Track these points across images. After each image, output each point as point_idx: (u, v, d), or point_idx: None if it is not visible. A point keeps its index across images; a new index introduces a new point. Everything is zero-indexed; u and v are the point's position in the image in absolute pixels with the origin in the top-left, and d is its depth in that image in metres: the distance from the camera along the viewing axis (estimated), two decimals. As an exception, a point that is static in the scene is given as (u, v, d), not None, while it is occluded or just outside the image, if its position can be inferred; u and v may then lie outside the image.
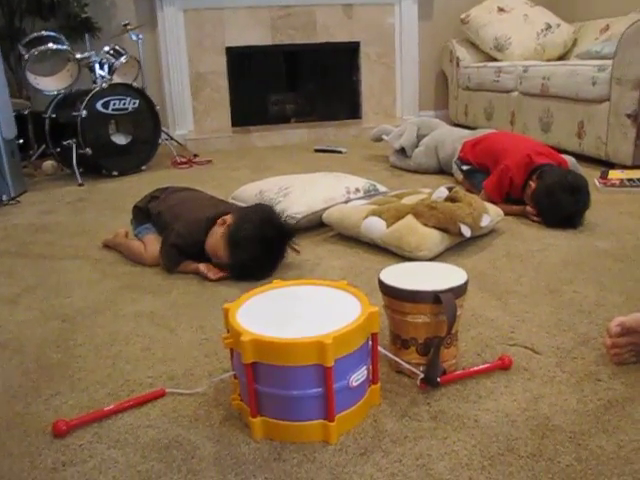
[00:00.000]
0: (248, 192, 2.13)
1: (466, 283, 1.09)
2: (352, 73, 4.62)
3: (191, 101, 4.25)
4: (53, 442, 0.98)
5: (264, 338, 0.90)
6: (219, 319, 1.37)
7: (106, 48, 3.44)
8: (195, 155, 3.70)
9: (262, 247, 1.56)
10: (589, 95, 3.00)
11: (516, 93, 3.70)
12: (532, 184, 2.07)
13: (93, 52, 3.34)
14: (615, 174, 2.65)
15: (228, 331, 0.99)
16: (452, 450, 0.92)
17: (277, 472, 0.89)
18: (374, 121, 4.43)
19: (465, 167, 2.46)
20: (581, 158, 3.11)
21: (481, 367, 1.12)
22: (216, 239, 1.61)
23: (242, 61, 4.33)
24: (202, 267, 1.65)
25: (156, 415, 1.05)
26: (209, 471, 0.90)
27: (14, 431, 1.02)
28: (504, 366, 1.13)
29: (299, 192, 2.01)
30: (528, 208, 2.08)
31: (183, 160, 3.52)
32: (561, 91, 3.21)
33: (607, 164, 2.90)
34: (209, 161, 3.54)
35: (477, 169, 2.40)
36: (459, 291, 1.06)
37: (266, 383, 0.93)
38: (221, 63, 4.23)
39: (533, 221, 2.07)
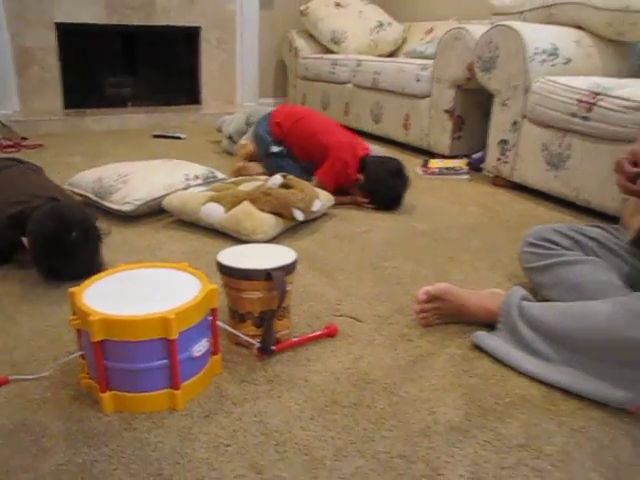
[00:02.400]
0: (86, 179, 2.10)
1: (295, 262, 1.22)
2: (192, 58, 4.61)
3: (16, 79, 3.98)
4: None
5: (111, 316, 0.97)
6: (61, 306, 1.40)
7: None
8: (23, 138, 3.50)
9: (59, 260, 1.50)
10: (413, 91, 3.30)
11: (350, 85, 3.94)
12: (359, 175, 2.26)
13: None
14: (435, 163, 2.95)
15: (74, 313, 1.03)
16: (285, 406, 1.05)
17: (128, 439, 0.96)
18: (214, 107, 4.48)
19: (276, 149, 2.44)
20: (407, 148, 3.44)
21: (310, 335, 1.27)
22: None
23: (75, 39, 4.13)
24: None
25: None
26: (60, 447, 0.95)
27: None
28: (330, 333, 1.29)
29: (139, 179, 2.04)
30: (359, 197, 2.28)
31: (9, 143, 3.31)
32: (390, 86, 3.49)
33: (429, 154, 3.23)
34: (40, 145, 3.37)
35: (286, 155, 2.43)
36: (289, 269, 1.20)
37: (115, 359, 1.00)
38: (50, 39, 4.00)
39: (365, 207, 2.27)
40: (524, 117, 2.50)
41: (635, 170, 1.28)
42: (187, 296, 1.04)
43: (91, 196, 2.06)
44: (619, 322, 1.10)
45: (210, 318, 1.10)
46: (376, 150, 2.66)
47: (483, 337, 1.27)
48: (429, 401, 1.08)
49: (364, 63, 3.77)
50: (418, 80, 3.25)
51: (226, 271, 1.19)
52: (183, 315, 0.99)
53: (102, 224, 1.64)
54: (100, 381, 1.01)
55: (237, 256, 1.22)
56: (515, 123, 2.56)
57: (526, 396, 1.11)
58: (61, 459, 0.92)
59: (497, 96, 2.65)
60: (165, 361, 1.00)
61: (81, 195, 2.09)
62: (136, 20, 4.22)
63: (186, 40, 4.56)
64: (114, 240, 1.79)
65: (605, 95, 2.11)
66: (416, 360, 1.22)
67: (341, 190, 2.28)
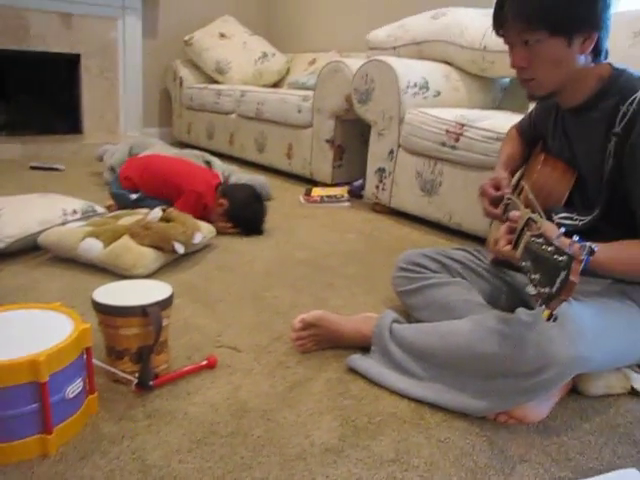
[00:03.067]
0: (-47, 216, 2.00)
1: (171, 296, 1.24)
2: (72, 86, 4.48)
3: None
4: None
5: (-26, 364, 0.94)
6: None
7: None
8: None
9: None
10: (296, 121, 3.41)
11: (234, 115, 4.00)
12: (223, 202, 2.34)
13: None
14: (317, 191, 3.06)
15: None
16: (164, 441, 1.06)
17: (-5, 491, 0.94)
18: (96, 137, 4.36)
19: (134, 196, 2.45)
20: (291, 176, 3.53)
21: (188, 368, 1.28)
22: None
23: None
24: None
25: None
26: None
27: None
28: (210, 365, 1.31)
29: (12, 214, 1.96)
30: (220, 224, 2.32)
31: None
32: (273, 116, 3.58)
33: (312, 182, 3.33)
34: None
35: (146, 196, 2.44)
36: (165, 303, 1.21)
37: (-21, 407, 0.97)
38: None
39: (229, 234, 2.33)
40: (399, 146, 2.67)
41: (496, 194, 1.42)
42: (59, 336, 1.03)
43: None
44: (476, 339, 1.20)
45: (85, 357, 1.09)
46: (240, 176, 2.83)
47: (357, 360, 1.35)
48: (305, 425, 1.13)
49: (248, 94, 3.85)
50: (300, 111, 3.36)
51: (101, 309, 1.19)
52: (54, 356, 0.98)
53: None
54: (-35, 431, 0.98)
55: (113, 293, 1.22)
56: (391, 152, 2.71)
57: (397, 413, 1.19)
58: None
59: (374, 126, 2.80)
60: (35, 405, 0.99)
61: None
62: (8, 44, 4.05)
63: (65, 67, 4.42)
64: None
65: (470, 126, 2.30)
66: (293, 386, 1.27)
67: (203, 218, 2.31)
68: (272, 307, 1.67)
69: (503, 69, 2.64)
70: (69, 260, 1.91)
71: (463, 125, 2.33)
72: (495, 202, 1.42)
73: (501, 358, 1.15)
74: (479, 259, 1.56)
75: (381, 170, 2.79)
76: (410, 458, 1.06)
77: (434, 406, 1.22)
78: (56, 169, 3.55)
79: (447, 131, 2.39)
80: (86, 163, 3.70)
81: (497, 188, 1.44)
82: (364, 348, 1.39)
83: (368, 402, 1.22)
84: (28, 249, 1.98)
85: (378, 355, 1.35)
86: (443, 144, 2.40)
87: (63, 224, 2.02)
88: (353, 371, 1.33)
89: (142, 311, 1.16)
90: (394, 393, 1.26)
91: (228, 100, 4.04)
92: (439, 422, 1.17)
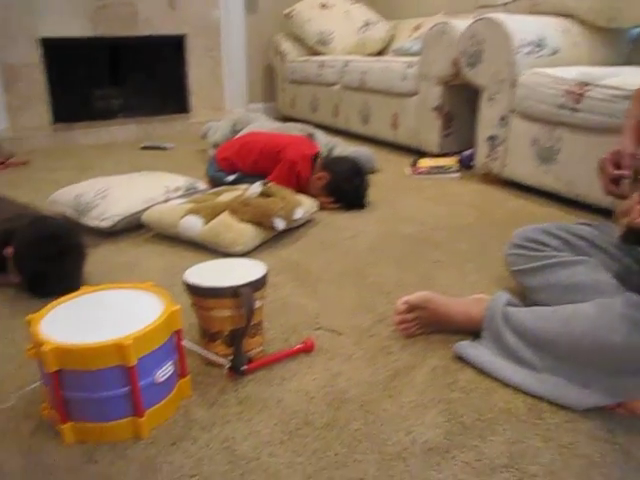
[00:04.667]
0: (65, 196, 2.06)
1: (265, 276, 1.17)
2: (179, 66, 4.58)
3: (3, 96, 3.96)
4: None
5: (64, 346, 0.92)
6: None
7: None
8: (11, 155, 3.47)
9: (44, 265, 1.50)
10: (401, 89, 3.25)
11: (338, 86, 3.90)
12: (324, 175, 2.25)
13: None
14: (424, 162, 2.90)
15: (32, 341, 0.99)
16: (255, 430, 1.00)
17: (88, 474, 0.92)
18: (203, 115, 4.43)
19: (231, 177, 2.41)
20: (396, 147, 3.39)
21: (283, 352, 1.22)
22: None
23: (61, 53, 4.11)
24: (9, 278, 1.59)
25: (-41, 435, 1.02)
26: (16, 484, 0.90)
27: None
28: (307, 349, 1.24)
29: (117, 194, 1.99)
30: (321, 198, 2.24)
31: (-4, 162, 3.28)
32: (377, 85, 3.44)
33: (419, 152, 3.17)
34: (25, 162, 3.34)
35: (245, 174, 2.40)
36: (257, 284, 1.14)
37: (72, 388, 0.95)
38: (35, 55, 3.97)
39: (331, 208, 2.25)
40: (512, 111, 2.45)
41: (617, 173, 1.23)
42: (148, 319, 0.99)
43: (71, 213, 2.01)
44: (603, 325, 1.05)
45: (175, 340, 1.05)
46: (344, 148, 2.71)
47: (466, 347, 1.22)
48: (407, 419, 1.03)
49: (351, 64, 3.73)
50: (404, 78, 3.20)
51: (193, 290, 1.14)
52: (142, 340, 0.95)
53: (88, 239, 1.64)
54: (60, 412, 0.97)
55: (205, 273, 1.18)
56: (503, 118, 2.50)
57: (511, 409, 1.06)
58: (20, 497, 0.88)
59: (484, 91, 2.60)
60: (126, 388, 0.96)
61: (62, 212, 2.05)
62: (120, 31, 4.19)
63: (172, 49, 4.52)
64: (93, 257, 1.74)
65: (593, 85, 2.06)
66: (396, 374, 1.17)
67: (305, 192, 2.24)
68: (375, 286, 1.57)
69: (635, 16, 2.34)
70: (171, 237, 1.92)
71: (586, 84, 2.09)
72: (615, 180, 1.23)
73: (633, 349, 0.99)
74: (607, 235, 1.37)
75: (492, 138, 2.58)
76: (526, 465, 0.93)
77: (554, 403, 1.07)
78: (164, 148, 3.63)
79: (567, 92, 2.15)
80: (192, 141, 3.76)
81: (618, 165, 1.24)
82: (473, 333, 1.26)
83: (478, 395, 1.10)
84: (132, 227, 2.01)
85: (489, 341, 1.22)
86: (562, 107, 2.17)
87: (166, 201, 2.03)
88: (461, 359, 1.21)
89: (233, 292, 1.10)
90: (507, 386, 1.12)
91: (331, 71, 3.94)
92: (560, 423, 1.03)
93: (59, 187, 2.23)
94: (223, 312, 1.12)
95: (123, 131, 4.11)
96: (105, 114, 4.41)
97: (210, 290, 1.11)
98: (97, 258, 1.78)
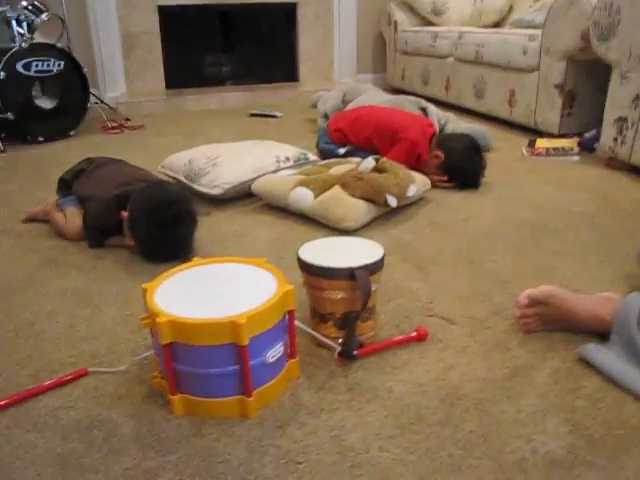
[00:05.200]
0: (177, 162, 2.09)
1: (382, 259, 1.12)
2: (289, 34, 4.56)
3: (122, 62, 4.10)
4: (-32, 426, 0.97)
5: (179, 319, 0.91)
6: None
7: (24, 3, 3.17)
8: (127, 119, 3.60)
9: (157, 231, 1.52)
10: (520, 64, 3.06)
11: (451, 59, 3.73)
12: (439, 153, 2.16)
13: (8, 7, 3.11)
14: (542, 143, 2.72)
15: (147, 310, 0.99)
16: (365, 421, 0.96)
17: (196, 447, 0.91)
18: (311, 84, 4.40)
19: (343, 150, 2.36)
20: (511, 125, 3.21)
21: (396, 339, 1.16)
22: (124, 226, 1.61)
23: (175, 21, 4.20)
24: (124, 240, 1.63)
25: (77, 395, 1.05)
26: (129, 449, 0.91)
27: None
28: (419, 338, 1.18)
29: (228, 162, 2.00)
30: (435, 177, 2.14)
31: (114, 125, 3.41)
32: (494, 58, 3.26)
33: (536, 132, 2.98)
34: (141, 126, 3.45)
35: (357, 148, 2.33)
36: (374, 267, 1.09)
37: (184, 362, 0.95)
38: (153, 22, 4.09)
39: (444, 187, 2.15)
40: (647, 92, 2.23)
41: None
42: (261, 297, 0.96)
43: (182, 179, 2.05)
44: None
45: (287, 320, 1.02)
46: (457, 125, 2.62)
47: (593, 350, 1.12)
48: (527, 425, 0.95)
49: (466, 35, 3.55)
50: (525, 52, 3.00)
51: (307, 268, 1.11)
52: (255, 319, 0.92)
53: (199, 206, 1.66)
54: (170, 383, 0.97)
55: (320, 251, 1.14)
56: (636, 98, 2.29)
57: (644, 426, 0.96)
58: (129, 462, 0.89)
59: (616, 68, 2.38)
60: (236, 367, 0.94)
61: (173, 177, 2.09)
62: (231, -1, 4.21)
63: (283, 17, 4.50)
64: (202, 224, 1.74)
65: None
66: (514, 373, 1.09)
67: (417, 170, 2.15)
68: (491, 274, 1.48)
69: None
70: (280, 208, 1.90)
71: None
72: None
73: None
74: None
75: (622, 120, 2.37)
76: (663, 490, 0.84)
77: (695, 421, 0.96)
78: (273, 116, 3.63)
79: None
80: (301, 110, 3.73)
81: None
82: (600, 335, 1.15)
83: (606, 407, 1.00)
84: (242, 196, 2.01)
85: (620, 347, 1.11)
86: None
87: (276, 171, 2.01)
88: (586, 363, 1.11)
89: (350, 274, 1.06)
90: (640, 399, 1.02)
91: (445, 43, 3.78)
92: None
93: (171, 152, 2.28)
94: (337, 294, 1.08)
95: (232, 98, 4.15)
96: (215, 81, 4.48)
97: (325, 270, 1.07)
98: (206, 226, 1.79)
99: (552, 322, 1.21)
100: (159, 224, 1.52)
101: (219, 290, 1.02)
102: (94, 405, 1.02)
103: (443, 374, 1.08)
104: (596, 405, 1.00)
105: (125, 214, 1.58)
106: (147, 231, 1.53)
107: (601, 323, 1.16)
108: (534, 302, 1.19)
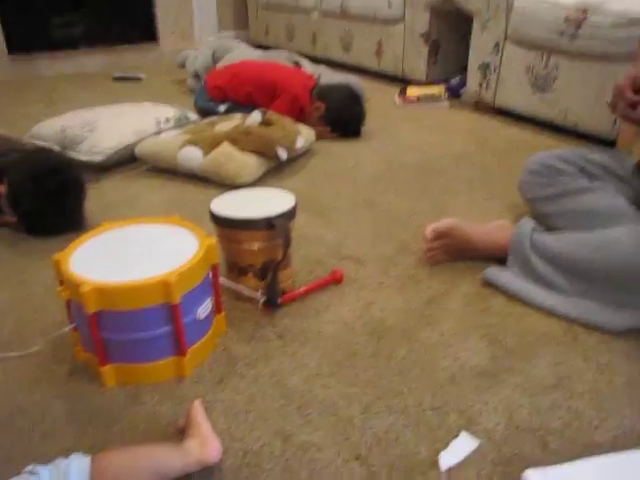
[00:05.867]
0: (48, 130, 1.94)
1: (295, 206, 1.12)
2: (145, -9, 4.30)
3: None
4: None
5: (105, 285, 0.87)
6: (41, 271, 1.29)
7: None
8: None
9: (42, 202, 1.42)
10: (386, 16, 3.12)
11: (316, 13, 3.73)
12: (320, 105, 2.19)
13: None
14: (412, 91, 2.82)
15: (61, 283, 0.93)
16: (302, 363, 0.98)
17: (139, 414, 0.89)
18: (172, 44, 4.21)
19: (223, 107, 2.31)
20: (380, 76, 3.29)
21: (315, 283, 1.19)
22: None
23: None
24: (3, 218, 1.50)
25: (-12, 386, 0.97)
26: (64, 429, 0.87)
27: None
28: (336, 279, 1.21)
29: (107, 126, 1.89)
30: (319, 128, 2.16)
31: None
32: (360, 11, 3.29)
33: (404, 81, 3.08)
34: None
35: (237, 104, 2.30)
36: (290, 214, 1.10)
37: (113, 330, 0.91)
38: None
39: (327, 138, 2.18)
40: (506, 39, 2.38)
41: (636, 98, 1.20)
42: (185, 254, 0.94)
43: (56, 148, 1.90)
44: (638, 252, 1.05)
45: (211, 275, 1.01)
46: (331, 77, 2.62)
47: (495, 273, 1.21)
48: (451, 345, 1.02)
49: (330, -12, 3.55)
50: (390, 4, 3.07)
51: (222, 222, 1.09)
52: (185, 276, 0.90)
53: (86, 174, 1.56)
54: (99, 354, 0.92)
55: (231, 204, 1.12)
56: (497, 45, 2.44)
57: (548, 333, 1.07)
58: (69, 442, 0.84)
59: (476, 17, 2.51)
60: (169, 327, 0.92)
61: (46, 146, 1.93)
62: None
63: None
64: (89, 193, 1.64)
65: (595, 10, 2.00)
66: (429, 302, 1.16)
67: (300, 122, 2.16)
68: (389, 215, 1.54)
69: None
70: (168, 171, 1.83)
71: (586, 10, 2.03)
72: (633, 105, 1.21)
73: None
74: (618, 162, 1.36)
75: (485, 65, 2.52)
76: (572, 384, 0.94)
77: (586, 325, 1.08)
78: (139, 78, 3.45)
79: (566, 18, 2.09)
80: (167, 71, 3.57)
81: (636, 90, 1.21)
82: (498, 260, 1.25)
83: (514, 320, 1.10)
84: (125, 161, 1.91)
85: (517, 267, 1.21)
86: (561, 33, 2.11)
87: (158, 133, 1.93)
88: (490, 285, 1.20)
89: (267, 224, 1.06)
90: (540, 310, 1.12)
91: (308, -4, 3.76)
92: (596, 343, 1.04)
93: (32, 121, 2.09)
94: (256, 244, 1.08)
95: (89, 61, 3.88)
96: (66, 43, 4.13)
97: (243, 222, 1.06)
98: (94, 194, 1.68)
99: (455, 252, 1.29)
100: (44, 195, 1.41)
101: (137, 251, 0.98)
102: (11, 393, 0.94)
103: (365, 311, 1.13)
104: (505, 319, 1.10)
105: (2, 188, 1.45)
106: (32, 203, 1.42)
107: (499, 249, 1.26)
108: (439, 235, 1.26)
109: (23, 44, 3.88)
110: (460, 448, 0.81)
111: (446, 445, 0.82)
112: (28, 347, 1.04)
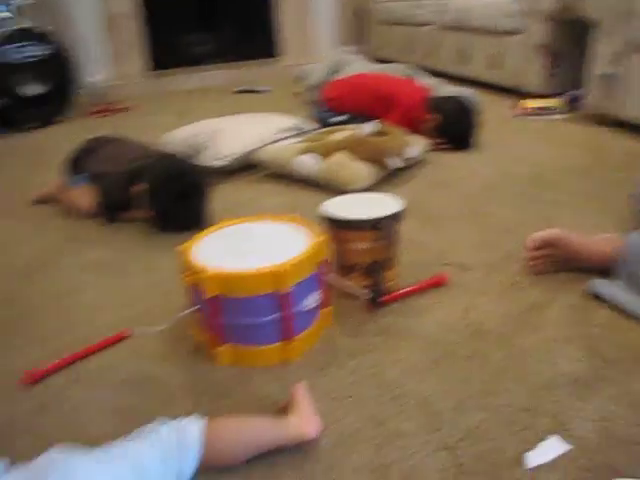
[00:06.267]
0: (178, 137, 2.13)
1: (403, 209, 1.18)
2: (267, 10, 4.54)
3: (103, 45, 4.07)
4: (27, 390, 1.02)
5: (224, 273, 0.97)
6: (169, 260, 1.42)
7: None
8: (110, 103, 3.58)
9: (174, 202, 1.59)
10: (503, 27, 3.11)
11: (434, 26, 3.76)
12: (434, 116, 2.23)
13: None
14: (528, 103, 2.79)
15: (185, 271, 1.05)
16: (400, 358, 1.04)
17: (247, 392, 0.98)
18: (293, 59, 4.41)
19: (341, 118, 2.37)
20: (497, 88, 3.27)
21: (418, 284, 1.24)
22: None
23: (154, 1, 4.16)
24: (137, 213, 1.69)
25: (125, 355, 1.10)
26: (183, 398, 0.98)
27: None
28: (439, 283, 1.25)
29: (230, 134, 2.04)
30: (433, 139, 2.20)
31: (98, 109, 3.40)
32: (477, 23, 3.31)
33: (521, 94, 3.05)
34: (126, 109, 3.44)
35: (354, 115, 2.35)
36: (397, 217, 1.16)
37: (229, 313, 1.01)
38: (132, 4, 4.05)
39: (443, 150, 2.21)
40: (631, 47, 2.30)
41: None
42: (297, 248, 1.03)
43: (186, 152, 2.08)
44: None
45: (320, 270, 1.09)
46: (445, 90, 2.63)
47: (600, 285, 1.20)
48: (549, 352, 1.04)
49: (449, 2, 3.58)
50: (507, 15, 3.06)
51: (331, 223, 1.17)
52: (295, 268, 0.99)
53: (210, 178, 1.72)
54: (216, 335, 1.03)
55: (342, 206, 1.20)
56: (621, 54, 2.36)
57: (653, 347, 1.05)
58: (185, 410, 0.94)
59: (598, 26, 2.45)
60: (278, 314, 1.00)
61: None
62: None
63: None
64: (213, 195, 1.79)
65: None
66: (530, 309, 1.17)
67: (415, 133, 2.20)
68: (497, 225, 1.56)
69: None
70: (285, 176, 1.95)
71: None
72: None
73: None
74: None
75: (607, 76, 2.45)
76: (674, 400, 0.92)
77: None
78: (259, 91, 3.65)
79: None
80: (287, 84, 3.75)
81: None
82: (603, 272, 1.23)
83: (617, 333, 1.08)
84: (245, 167, 2.06)
85: (624, 280, 1.19)
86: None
87: (277, 141, 2.06)
88: (594, 296, 1.19)
89: (373, 225, 1.13)
90: (648, 325, 1.10)
91: (427, 11, 3.81)
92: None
93: (164, 130, 2.30)
94: (362, 244, 1.15)
95: (215, 76, 4.17)
96: (196, 60, 4.46)
97: (351, 223, 1.14)
98: (217, 196, 1.83)
99: (559, 262, 1.29)
100: (176, 195, 1.57)
101: (254, 245, 1.08)
102: (142, 363, 1.08)
103: (465, 313, 1.16)
104: (607, 331, 1.09)
105: (137, 189, 1.63)
106: (165, 202, 1.58)
107: (605, 261, 1.24)
108: (542, 244, 1.27)
109: (160, 62, 4.23)
110: (549, 450, 0.83)
111: (534, 446, 0.84)
112: (158, 325, 1.17)
